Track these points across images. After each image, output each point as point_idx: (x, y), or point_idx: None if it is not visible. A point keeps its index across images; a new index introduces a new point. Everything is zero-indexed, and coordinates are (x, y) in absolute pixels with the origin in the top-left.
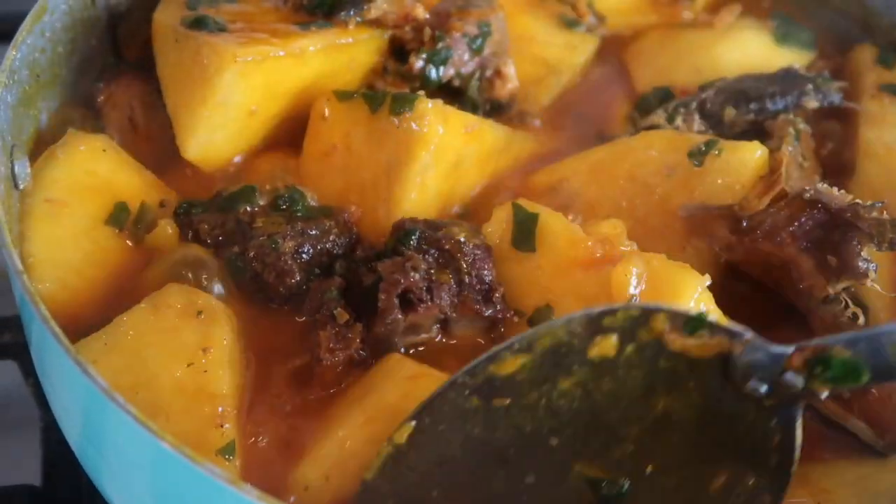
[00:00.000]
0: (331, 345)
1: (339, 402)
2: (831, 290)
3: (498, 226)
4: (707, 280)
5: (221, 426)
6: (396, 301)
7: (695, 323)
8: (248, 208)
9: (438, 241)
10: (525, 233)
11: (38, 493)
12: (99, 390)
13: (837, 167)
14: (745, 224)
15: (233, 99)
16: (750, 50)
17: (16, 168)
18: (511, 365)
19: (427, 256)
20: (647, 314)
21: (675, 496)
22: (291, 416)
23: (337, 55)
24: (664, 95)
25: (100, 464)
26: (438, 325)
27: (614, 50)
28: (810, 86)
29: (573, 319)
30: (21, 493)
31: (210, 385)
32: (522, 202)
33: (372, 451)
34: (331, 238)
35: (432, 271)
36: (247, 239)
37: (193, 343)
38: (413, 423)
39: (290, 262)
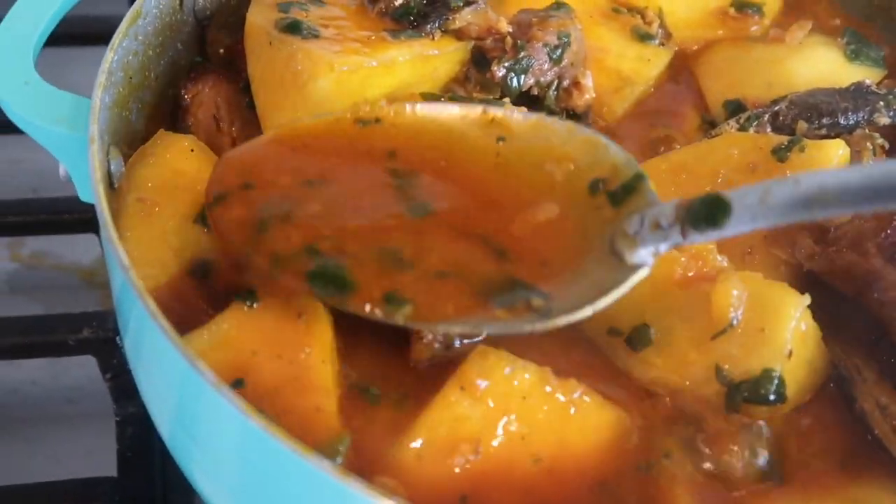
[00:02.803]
0: None
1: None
2: None
3: None
4: (807, 300)
5: (326, 421)
6: None
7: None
8: None
9: None
10: None
11: (116, 484)
12: (208, 384)
13: None
14: (830, 234)
15: (325, 107)
16: (821, 66)
17: (112, 167)
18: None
19: None
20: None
21: None
22: (386, 405)
23: (423, 65)
24: (736, 108)
25: (192, 452)
26: None
27: (685, 63)
28: (881, 103)
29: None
30: (101, 483)
31: (314, 380)
32: None
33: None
34: None
35: None
36: None
37: (295, 340)
38: None
39: None
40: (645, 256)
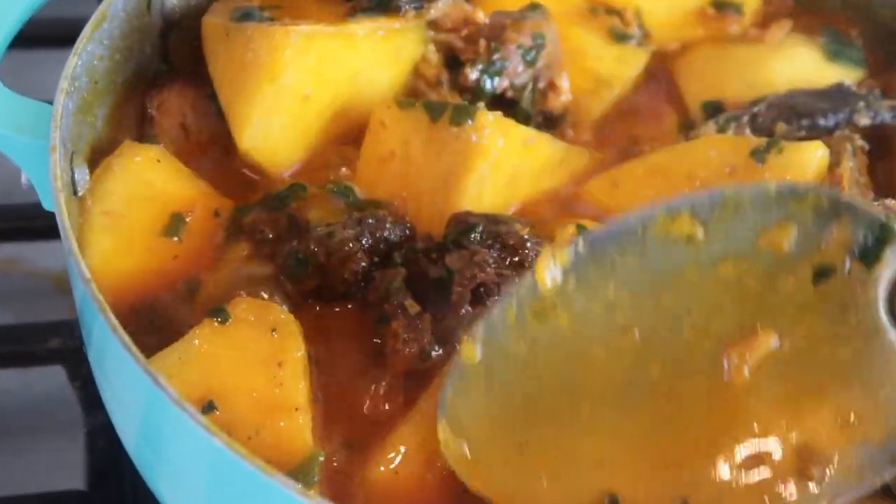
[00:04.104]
0: (405, 336)
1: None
2: None
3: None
4: None
5: (300, 439)
6: (469, 294)
7: (881, 233)
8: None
9: (502, 235)
10: None
11: (84, 498)
12: (170, 400)
13: (886, 185)
14: None
15: (286, 81)
16: (801, 66)
17: (75, 175)
18: (683, 227)
19: (491, 251)
20: (836, 208)
21: None
22: (360, 419)
23: (385, 43)
24: (714, 109)
25: (158, 468)
26: None
27: (663, 64)
28: (862, 103)
29: (765, 190)
30: (68, 497)
31: (287, 398)
32: (586, 223)
33: None
34: (386, 227)
35: (496, 266)
36: (303, 232)
37: (268, 356)
38: (571, 251)
39: (353, 246)
40: None
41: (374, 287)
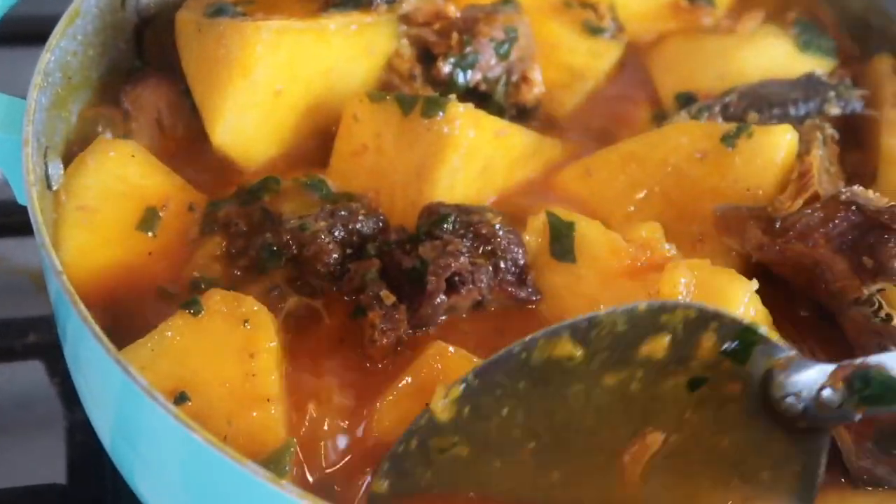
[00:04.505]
0: (381, 326)
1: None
2: (866, 291)
3: (534, 235)
4: (754, 285)
5: (273, 429)
6: (443, 283)
7: (745, 336)
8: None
9: (474, 225)
10: (563, 242)
11: (64, 492)
12: (140, 390)
13: (857, 174)
14: (778, 225)
15: (258, 76)
16: (773, 56)
17: (49, 170)
18: (564, 349)
19: (464, 240)
20: (703, 318)
21: None
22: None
23: (357, 38)
24: (687, 100)
25: (134, 462)
26: (471, 307)
27: (637, 56)
28: (832, 93)
29: (635, 309)
30: (48, 491)
31: (259, 389)
32: (557, 210)
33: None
34: (359, 219)
35: (469, 255)
36: (276, 225)
37: (240, 348)
38: (461, 386)
39: (326, 238)
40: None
41: (349, 278)
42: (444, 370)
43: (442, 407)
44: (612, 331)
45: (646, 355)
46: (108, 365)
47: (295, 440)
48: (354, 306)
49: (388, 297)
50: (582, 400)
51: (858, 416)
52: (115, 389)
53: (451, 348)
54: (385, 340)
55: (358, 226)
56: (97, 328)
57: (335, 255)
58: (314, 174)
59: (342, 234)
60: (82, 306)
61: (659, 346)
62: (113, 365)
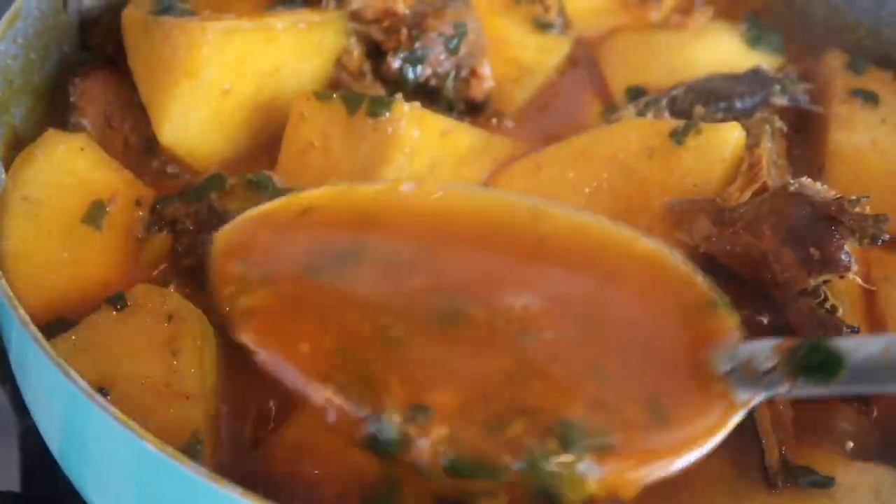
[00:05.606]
0: None
1: None
2: (812, 282)
3: None
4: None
5: (187, 426)
6: None
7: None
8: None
9: None
10: None
11: (18, 499)
12: (78, 390)
13: (804, 168)
14: (726, 215)
15: (206, 77)
16: (722, 52)
17: None
18: None
19: None
20: None
21: None
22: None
23: (306, 35)
24: (637, 94)
25: (82, 468)
26: None
27: (588, 51)
28: (777, 86)
29: None
30: (2, 499)
31: (178, 386)
32: None
33: None
34: None
35: None
36: (223, 223)
37: (163, 343)
38: None
39: None
40: (740, 397)
41: None
42: None
43: None
44: None
45: None
46: (47, 366)
47: (204, 443)
48: None
49: None
50: None
51: (785, 388)
52: (57, 391)
53: None
54: None
55: None
56: (34, 329)
57: None
58: (261, 171)
59: None
60: (20, 309)
61: None
62: (49, 365)
